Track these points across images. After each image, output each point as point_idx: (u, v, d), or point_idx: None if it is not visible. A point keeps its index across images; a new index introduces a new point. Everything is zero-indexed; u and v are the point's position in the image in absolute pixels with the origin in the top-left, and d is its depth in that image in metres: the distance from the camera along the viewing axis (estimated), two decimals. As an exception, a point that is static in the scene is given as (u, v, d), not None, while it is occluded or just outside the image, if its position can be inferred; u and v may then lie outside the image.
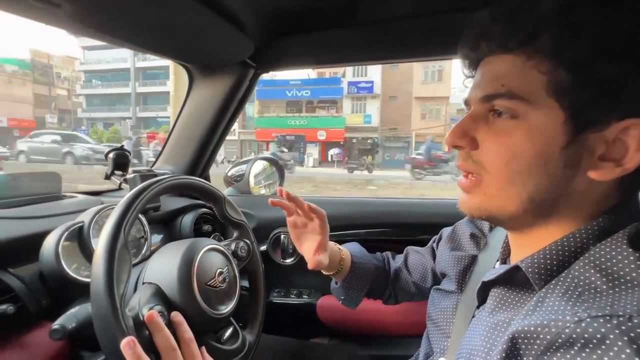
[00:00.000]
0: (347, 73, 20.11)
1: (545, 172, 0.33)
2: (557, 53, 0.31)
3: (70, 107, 25.49)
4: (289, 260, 1.04)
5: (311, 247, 0.62)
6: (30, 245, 0.59)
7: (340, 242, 0.97)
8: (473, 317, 0.43)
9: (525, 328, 0.30)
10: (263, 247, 1.03)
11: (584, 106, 0.30)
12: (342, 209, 1.04)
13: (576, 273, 0.31)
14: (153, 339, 0.44)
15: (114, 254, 0.44)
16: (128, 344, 0.39)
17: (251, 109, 24.58)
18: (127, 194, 0.51)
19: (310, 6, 0.72)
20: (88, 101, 27.86)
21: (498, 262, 0.46)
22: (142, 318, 0.45)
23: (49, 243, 0.59)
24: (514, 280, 0.37)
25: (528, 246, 0.37)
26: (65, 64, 26.30)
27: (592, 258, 0.31)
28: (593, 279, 0.30)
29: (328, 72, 21.29)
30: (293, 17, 0.75)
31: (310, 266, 0.61)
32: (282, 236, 1.03)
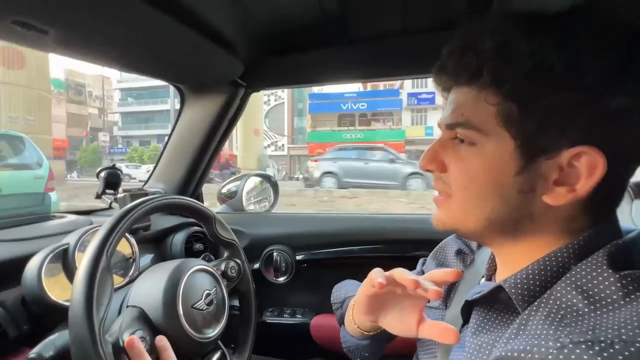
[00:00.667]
0: (406, 84, 19.68)
1: (499, 196, 0.34)
2: (499, 86, 0.32)
3: (102, 126, 25.62)
4: (282, 279, 1.02)
5: (407, 312, 0.44)
6: (13, 269, 0.58)
7: (338, 260, 0.97)
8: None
9: (509, 354, 0.29)
10: (256, 266, 1.02)
11: (533, 135, 0.32)
12: (337, 225, 1.04)
13: (558, 295, 0.31)
14: None
15: (95, 277, 0.43)
16: None
17: (301, 122, 24.60)
18: (113, 215, 0.50)
19: (299, 26, 0.73)
20: (123, 119, 27.93)
21: (483, 279, 0.45)
22: (122, 344, 0.44)
23: (31, 266, 0.58)
24: (497, 299, 0.37)
25: (509, 263, 0.37)
26: (97, 82, 26.65)
27: (573, 279, 0.31)
28: (575, 300, 0.29)
29: (382, 84, 20.88)
30: (281, 36, 0.77)
31: (397, 332, 0.45)
32: (274, 254, 1.02)
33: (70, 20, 0.49)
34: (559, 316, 0.29)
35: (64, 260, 0.62)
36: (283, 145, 24.53)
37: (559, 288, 0.31)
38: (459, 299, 0.46)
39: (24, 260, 0.59)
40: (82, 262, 0.44)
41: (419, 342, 0.52)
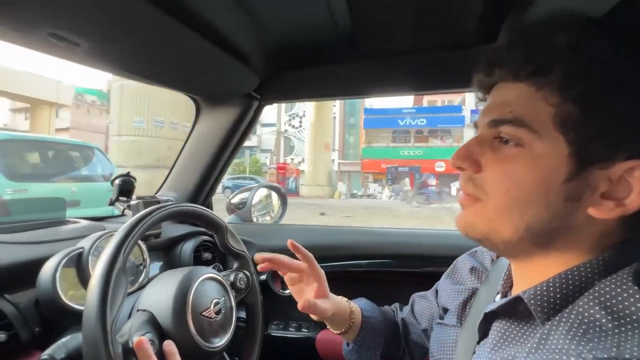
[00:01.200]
0: (468, 101, 18.53)
1: (544, 203, 0.32)
2: (567, 87, 0.31)
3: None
4: (288, 291, 1.01)
5: (311, 297, 0.58)
6: (28, 271, 0.59)
7: (344, 273, 0.96)
8: (474, 352, 0.41)
9: None
10: (263, 277, 1.01)
11: (590, 142, 0.30)
12: (345, 239, 1.03)
13: (581, 310, 0.30)
14: None
15: (111, 276, 0.44)
16: None
17: (352, 138, 24.12)
18: (130, 219, 0.51)
19: (312, 42, 0.76)
20: None
21: (499, 295, 0.44)
22: (131, 345, 0.44)
23: (46, 269, 0.59)
24: (516, 312, 0.36)
25: (530, 277, 0.36)
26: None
27: (597, 294, 0.30)
28: (598, 316, 0.29)
29: (440, 100, 20.19)
30: (296, 51, 0.79)
31: (300, 306, 0.54)
32: (282, 265, 1.02)
33: (99, 33, 0.52)
34: (581, 331, 0.29)
35: (78, 265, 0.63)
36: (333, 160, 23.09)
37: (581, 303, 0.30)
38: (474, 316, 0.45)
39: (38, 262, 0.60)
40: (100, 260, 0.45)
41: (432, 357, 0.51)
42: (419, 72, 0.79)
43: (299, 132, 24.32)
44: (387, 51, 0.79)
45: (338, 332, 0.62)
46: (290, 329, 1.01)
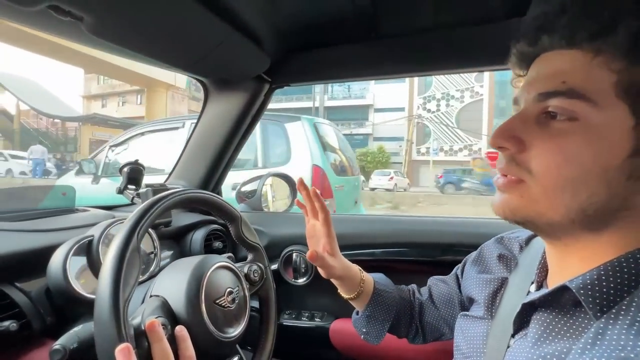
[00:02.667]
0: None
1: (603, 181, 0.29)
2: (635, 49, 0.27)
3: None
4: (301, 280, 0.99)
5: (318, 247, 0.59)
6: (38, 259, 0.58)
7: (357, 262, 0.94)
8: (508, 347, 0.38)
9: None
10: (274, 266, 1.00)
11: None
12: (357, 227, 1.01)
13: None
14: (151, 351, 0.41)
15: (125, 256, 0.42)
16: (122, 351, 0.36)
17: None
18: (145, 201, 0.50)
19: (327, 20, 0.72)
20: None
21: (533, 285, 0.41)
22: (143, 328, 0.43)
23: (57, 257, 0.57)
24: (560, 304, 0.33)
25: (572, 264, 0.33)
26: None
27: None
28: None
29: None
30: (309, 31, 0.75)
31: (308, 256, 0.55)
32: (294, 255, 1.00)
33: (105, 6, 0.49)
34: None
35: (88, 253, 0.62)
36: (480, 149, 20.60)
37: None
38: (506, 307, 0.43)
39: (48, 250, 0.59)
40: (114, 240, 0.44)
41: (457, 351, 0.48)
42: (441, 51, 0.75)
43: (437, 116, 21.91)
44: (406, 29, 0.74)
45: (348, 296, 0.62)
46: (303, 318, 1.00)
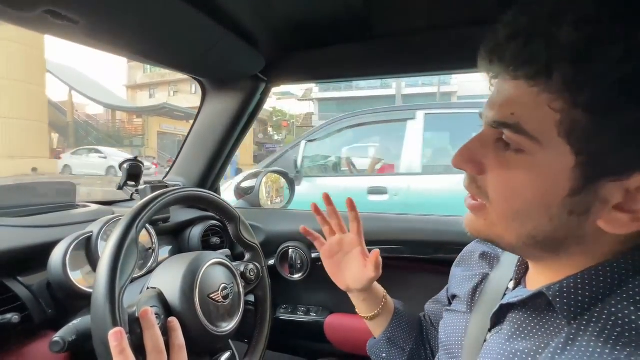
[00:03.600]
0: None
1: (546, 215, 0.30)
2: (574, 92, 0.26)
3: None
4: (297, 276, 1.01)
5: (359, 265, 0.55)
6: (39, 254, 0.60)
7: None
8: (485, 340, 0.40)
9: None
10: (271, 262, 1.01)
11: (603, 153, 0.27)
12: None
13: (613, 309, 0.28)
14: (143, 338, 0.43)
15: (123, 246, 0.44)
16: (115, 335, 0.38)
17: None
18: (144, 198, 0.52)
19: (322, 21, 0.72)
20: (321, 106, 22.34)
21: (512, 282, 0.42)
22: (137, 315, 0.45)
23: (57, 253, 0.59)
24: (535, 306, 0.34)
25: (546, 272, 0.35)
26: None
27: (631, 293, 0.28)
28: (634, 317, 0.26)
29: None
30: (304, 31, 0.76)
31: (361, 283, 0.54)
32: (290, 251, 1.01)
33: (100, 10, 0.50)
34: (616, 334, 0.26)
35: (87, 248, 0.64)
36: None
37: (613, 302, 0.28)
38: (485, 303, 0.44)
39: (49, 246, 0.61)
40: (113, 233, 0.46)
41: (441, 344, 0.50)
42: (435, 51, 0.75)
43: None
44: (400, 29, 0.75)
45: (369, 314, 0.60)
46: (298, 312, 1.02)
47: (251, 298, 0.72)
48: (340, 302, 0.98)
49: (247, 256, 0.71)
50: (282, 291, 1.04)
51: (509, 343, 0.34)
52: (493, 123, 0.32)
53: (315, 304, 1.03)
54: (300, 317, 1.01)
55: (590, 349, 0.27)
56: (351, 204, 0.58)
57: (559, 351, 0.28)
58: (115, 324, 0.41)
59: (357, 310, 0.62)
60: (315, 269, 1.00)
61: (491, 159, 0.33)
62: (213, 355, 0.59)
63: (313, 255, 1.00)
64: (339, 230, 0.59)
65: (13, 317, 0.52)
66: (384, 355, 0.60)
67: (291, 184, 1.35)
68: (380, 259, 0.54)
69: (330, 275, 0.59)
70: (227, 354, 0.60)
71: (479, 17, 0.69)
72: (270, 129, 25.67)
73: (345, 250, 0.58)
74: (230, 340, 0.60)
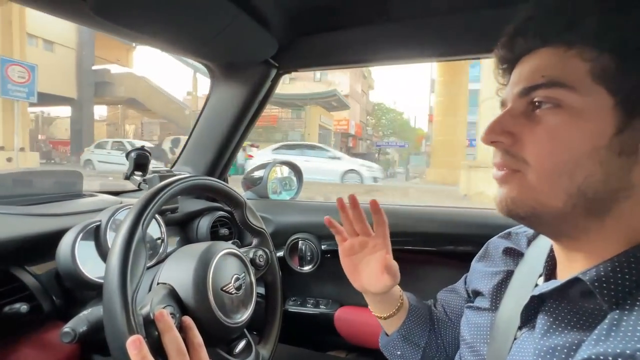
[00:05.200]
0: None
1: (596, 161, 0.30)
2: (600, 40, 0.30)
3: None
4: (306, 268, 1.00)
5: (378, 269, 0.52)
6: (47, 243, 0.58)
7: None
8: (515, 338, 0.38)
9: (601, 357, 0.25)
10: (280, 254, 1.00)
11: (635, 89, 0.29)
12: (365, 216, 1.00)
13: None
14: (161, 341, 0.42)
15: (130, 247, 0.43)
16: (134, 343, 0.37)
17: None
18: (149, 190, 0.50)
19: (337, 3, 0.69)
20: None
21: (542, 278, 0.40)
22: (152, 317, 0.43)
23: (65, 242, 0.58)
24: (571, 296, 0.33)
25: (580, 259, 0.33)
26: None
27: None
28: None
29: None
30: (319, 14, 0.73)
31: (377, 288, 0.51)
32: (300, 242, 1.00)
33: None
34: None
35: (96, 238, 0.62)
36: None
37: None
38: (511, 299, 0.42)
39: (57, 234, 0.59)
40: (119, 231, 0.44)
41: (463, 342, 0.48)
42: (456, 34, 0.72)
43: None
44: (418, 12, 0.71)
45: (385, 314, 0.57)
46: (308, 305, 1.01)
47: (260, 290, 0.71)
48: (350, 295, 0.96)
49: (255, 242, 0.70)
50: (292, 283, 1.03)
51: (545, 339, 0.32)
52: (522, 91, 0.34)
53: (324, 296, 1.02)
54: (309, 309, 1.00)
55: (638, 333, 0.25)
56: (375, 206, 0.54)
57: (602, 337, 0.27)
58: (131, 330, 0.39)
59: (370, 309, 0.59)
60: (325, 261, 0.98)
61: (524, 124, 0.33)
62: (229, 344, 0.58)
63: (323, 247, 0.99)
64: (363, 233, 0.55)
65: (22, 306, 0.50)
66: (398, 352, 0.59)
67: (299, 175, 1.33)
68: (396, 268, 0.51)
69: (347, 274, 0.56)
70: (243, 342, 0.59)
71: (499, 1, 0.66)
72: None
73: (366, 252, 0.55)
74: (245, 329, 0.59)
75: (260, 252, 0.67)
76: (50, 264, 0.58)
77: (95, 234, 0.62)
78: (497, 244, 0.53)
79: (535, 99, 0.32)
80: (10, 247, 0.54)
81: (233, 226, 1.00)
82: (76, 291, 0.59)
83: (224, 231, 0.96)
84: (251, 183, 1.22)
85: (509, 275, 0.47)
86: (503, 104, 0.37)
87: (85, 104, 13.81)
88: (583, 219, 0.31)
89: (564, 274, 0.36)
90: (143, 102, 16.46)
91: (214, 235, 0.93)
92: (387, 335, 0.60)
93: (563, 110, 0.31)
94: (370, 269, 0.53)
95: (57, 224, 0.62)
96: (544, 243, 0.44)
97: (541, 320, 0.34)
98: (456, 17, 0.70)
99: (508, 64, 0.37)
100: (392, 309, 0.57)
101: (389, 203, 1.07)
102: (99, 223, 0.63)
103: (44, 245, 0.58)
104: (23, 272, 0.55)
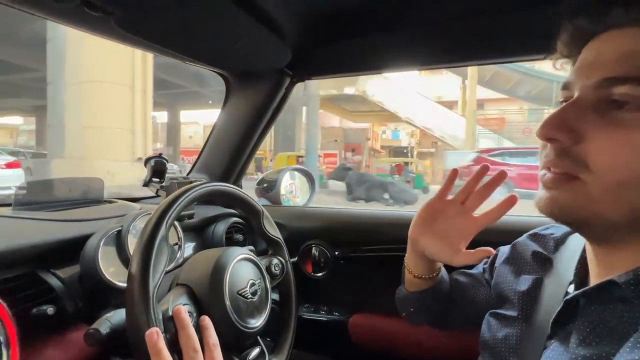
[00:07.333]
0: None
1: None
2: None
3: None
4: (319, 274, 1.00)
5: (455, 242, 0.48)
6: (72, 247, 0.61)
7: (371, 258, 0.93)
8: (545, 348, 0.36)
9: None
10: (293, 259, 1.00)
11: None
12: (378, 222, 1.00)
13: None
14: (177, 337, 0.43)
15: (154, 244, 0.44)
16: (151, 335, 0.38)
17: None
18: (173, 193, 0.52)
19: (352, 10, 0.70)
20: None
21: (572, 286, 0.39)
22: (170, 314, 0.45)
23: (89, 247, 0.60)
24: (606, 302, 0.31)
25: (618, 264, 0.31)
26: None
27: None
28: None
29: None
30: (333, 22, 0.74)
31: (461, 260, 0.47)
32: (313, 248, 1.00)
33: (134, 1, 0.50)
34: None
35: (117, 243, 0.64)
36: None
37: None
38: (542, 308, 0.41)
39: (81, 240, 0.61)
40: (144, 230, 0.46)
41: (486, 350, 0.47)
42: (477, 39, 0.71)
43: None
44: (439, 16, 0.71)
45: (415, 273, 0.54)
46: (321, 312, 1.00)
47: (275, 296, 0.72)
48: (365, 301, 0.96)
49: (271, 250, 0.70)
50: (305, 289, 1.03)
51: (580, 348, 0.30)
52: (603, 82, 0.28)
53: (338, 303, 1.01)
54: (323, 316, 0.99)
55: None
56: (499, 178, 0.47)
57: (638, 344, 0.25)
58: (150, 323, 0.41)
59: (406, 260, 0.56)
60: (339, 268, 0.98)
61: (594, 123, 0.29)
62: (242, 351, 0.58)
63: (336, 253, 0.98)
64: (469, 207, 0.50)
65: (48, 308, 0.52)
66: (411, 309, 0.59)
67: (312, 182, 1.34)
68: (481, 259, 0.47)
69: (416, 217, 0.52)
70: (256, 350, 0.59)
71: (516, 5, 0.65)
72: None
73: (459, 211, 0.49)
74: (258, 337, 0.59)
75: (276, 261, 0.68)
76: (74, 267, 0.60)
77: (117, 239, 0.64)
78: (524, 246, 0.51)
79: (616, 96, 0.27)
80: (38, 250, 0.56)
81: (247, 232, 1.01)
82: (98, 294, 0.61)
83: (238, 237, 0.97)
84: (264, 190, 1.24)
85: (537, 282, 0.45)
86: (565, 87, 0.32)
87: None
88: (634, 233, 0.29)
89: (597, 281, 0.34)
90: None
91: (229, 241, 0.94)
92: (406, 290, 0.58)
93: None
94: (446, 234, 0.49)
95: (81, 230, 0.65)
96: (573, 248, 0.43)
97: (576, 329, 0.32)
98: (472, 22, 0.70)
99: (582, 38, 0.31)
100: (426, 274, 0.54)
101: (403, 210, 1.06)
102: (120, 229, 0.65)
103: (68, 249, 0.60)
104: (49, 275, 0.57)
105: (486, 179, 0.50)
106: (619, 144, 0.27)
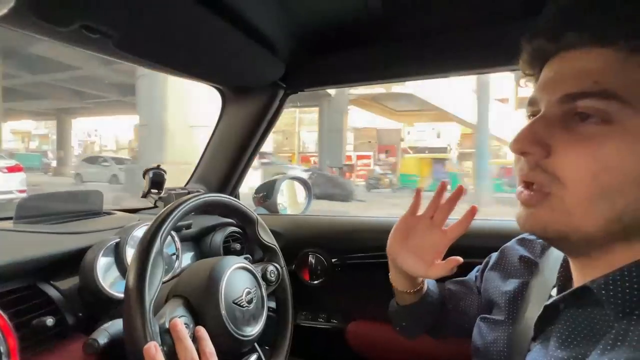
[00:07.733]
0: None
1: None
2: None
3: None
4: (316, 282, 1.01)
5: (429, 247, 0.50)
6: (71, 260, 0.62)
7: (367, 265, 0.94)
8: (529, 350, 0.38)
9: None
10: (290, 267, 1.01)
11: None
12: (374, 230, 1.01)
13: None
14: (175, 349, 0.44)
15: (149, 257, 0.45)
16: (149, 349, 0.39)
17: None
18: (167, 206, 0.53)
19: (341, 24, 0.73)
20: None
21: (555, 290, 0.40)
22: (167, 325, 0.46)
23: (87, 259, 0.61)
24: (582, 306, 0.32)
25: (594, 273, 0.32)
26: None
27: None
28: None
29: None
30: (323, 36, 0.76)
31: (435, 273, 0.49)
32: (310, 256, 1.01)
33: (131, 24, 0.52)
34: None
35: (116, 254, 0.65)
36: None
37: None
38: (527, 311, 0.42)
39: (80, 252, 0.63)
40: (139, 244, 0.47)
41: (477, 355, 0.48)
42: (457, 52, 0.74)
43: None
44: (421, 30, 0.74)
45: (400, 289, 0.56)
46: (319, 319, 1.01)
47: (272, 304, 0.73)
48: (362, 308, 0.96)
49: (267, 257, 0.71)
50: (302, 297, 1.03)
51: (559, 351, 0.32)
52: (564, 98, 0.29)
53: (336, 310, 1.02)
54: (320, 323, 1.00)
55: None
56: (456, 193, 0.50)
57: (608, 347, 0.27)
58: (147, 337, 0.42)
59: (390, 276, 0.58)
60: (336, 275, 0.99)
61: (561, 136, 0.30)
62: (240, 358, 0.59)
63: (333, 260, 0.99)
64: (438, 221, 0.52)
65: (48, 320, 0.53)
66: (404, 324, 0.60)
67: (308, 190, 1.35)
68: (454, 264, 0.48)
69: (392, 235, 0.54)
70: (253, 357, 0.60)
71: (497, 18, 0.68)
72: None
73: (430, 224, 0.51)
74: (256, 344, 0.60)
75: (271, 268, 0.69)
76: (73, 279, 0.62)
77: (115, 251, 0.65)
78: (512, 250, 0.52)
79: (580, 109, 0.28)
80: (38, 263, 0.57)
81: (244, 241, 1.02)
82: (97, 305, 0.62)
83: (236, 246, 0.98)
84: (261, 199, 1.25)
85: (524, 286, 0.46)
86: (531, 103, 0.33)
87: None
88: (611, 242, 0.30)
89: (577, 285, 0.35)
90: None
91: (226, 250, 0.95)
92: (397, 304, 0.59)
93: (614, 128, 0.27)
94: (420, 249, 0.51)
95: (80, 242, 0.66)
96: (557, 253, 0.44)
97: (555, 332, 0.33)
98: (456, 34, 0.73)
99: (542, 57, 0.33)
100: (409, 288, 0.55)
101: (393, 216, 1.07)
102: (118, 240, 0.66)
103: (68, 261, 0.61)
104: (49, 287, 0.58)
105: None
106: (586, 158, 0.28)
